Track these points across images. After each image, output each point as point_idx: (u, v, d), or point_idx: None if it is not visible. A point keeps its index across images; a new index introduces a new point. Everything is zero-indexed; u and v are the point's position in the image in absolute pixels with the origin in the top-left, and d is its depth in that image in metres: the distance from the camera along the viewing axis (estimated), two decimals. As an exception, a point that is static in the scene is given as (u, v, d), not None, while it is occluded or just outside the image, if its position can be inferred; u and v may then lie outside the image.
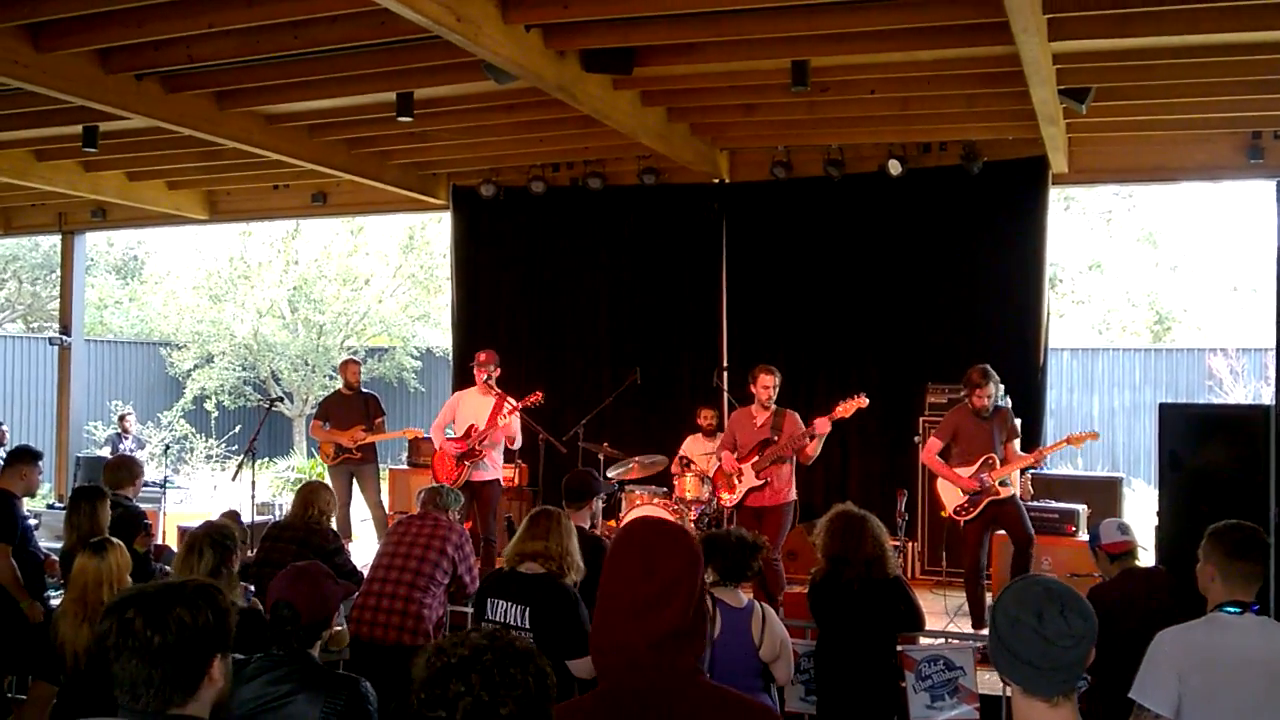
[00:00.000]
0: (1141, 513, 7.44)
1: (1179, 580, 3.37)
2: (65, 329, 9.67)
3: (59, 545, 4.55)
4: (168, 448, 10.72)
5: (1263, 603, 2.67)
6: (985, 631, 4.91)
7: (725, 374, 7.20)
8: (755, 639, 3.20)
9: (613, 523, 6.41)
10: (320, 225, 13.98)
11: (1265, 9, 4.35)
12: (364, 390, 7.22)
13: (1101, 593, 3.47)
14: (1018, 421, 5.60)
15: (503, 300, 8.25)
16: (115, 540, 3.29)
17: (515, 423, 6.13)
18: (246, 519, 5.93)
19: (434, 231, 14.58)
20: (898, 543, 5.08)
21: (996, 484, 5.24)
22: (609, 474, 6.58)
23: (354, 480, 6.98)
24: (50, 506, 7.94)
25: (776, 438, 5.51)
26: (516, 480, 7.35)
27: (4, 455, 6.14)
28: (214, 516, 4.52)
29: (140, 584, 2.24)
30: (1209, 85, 5.46)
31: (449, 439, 6.19)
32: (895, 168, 6.73)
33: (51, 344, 9.98)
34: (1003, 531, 5.42)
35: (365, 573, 4.28)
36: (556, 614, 3.17)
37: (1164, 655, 2.44)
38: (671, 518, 5.65)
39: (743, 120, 6.58)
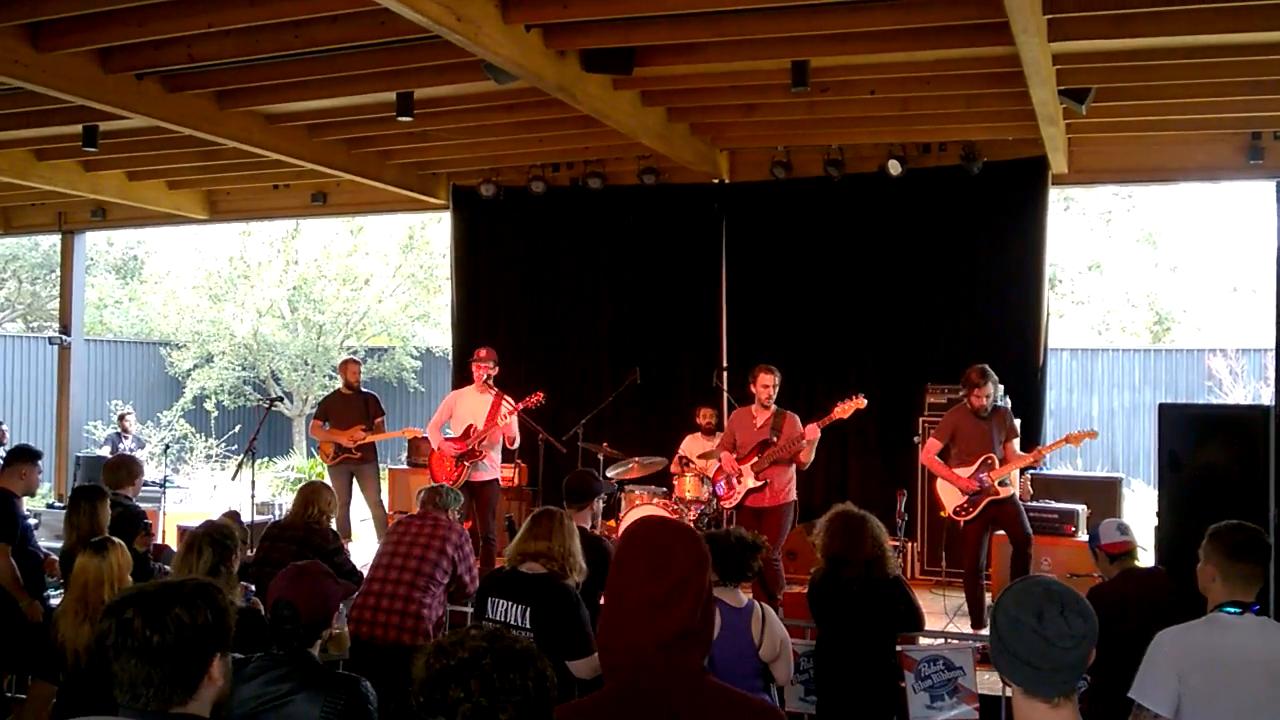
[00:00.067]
0: (1141, 513, 7.44)
1: (1178, 580, 3.37)
2: (65, 328, 9.67)
3: (59, 545, 4.54)
4: (167, 447, 10.72)
5: (1262, 603, 2.66)
6: (985, 632, 4.91)
7: (725, 374, 7.20)
8: (755, 639, 3.20)
9: (612, 522, 6.41)
10: (320, 225, 13.98)
11: (1265, 9, 4.35)
12: (364, 390, 7.22)
13: (1101, 593, 3.47)
14: (1017, 421, 5.60)
15: (503, 300, 8.25)
16: (116, 540, 3.29)
17: (514, 423, 6.12)
18: (246, 519, 5.93)
19: (434, 231, 14.58)
20: (897, 543, 5.08)
21: (996, 484, 5.25)
22: (608, 474, 6.58)
23: (354, 480, 6.98)
24: (50, 506, 7.94)
25: (775, 439, 5.51)
26: (516, 480, 7.35)
27: (4, 454, 6.14)
28: (214, 516, 4.52)
29: (140, 583, 2.25)
30: (1209, 86, 5.46)
31: (447, 439, 6.19)
32: (895, 168, 6.73)
33: (51, 343, 9.98)
34: (1002, 532, 5.42)
35: (365, 572, 4.28)
36: (557, 614, 3.17)
37: (1164, 655, 2.44)
38: (672, 518, 5.64)
39: (743, 120, 6.58)
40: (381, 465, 7.45)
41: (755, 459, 5.54)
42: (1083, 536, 5.63)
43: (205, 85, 5.70)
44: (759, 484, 5.52)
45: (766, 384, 5.58)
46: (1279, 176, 6.52)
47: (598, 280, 7.93)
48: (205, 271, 14.61)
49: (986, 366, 5.37)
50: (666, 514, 5.80)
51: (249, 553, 4.42)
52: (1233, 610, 2.49)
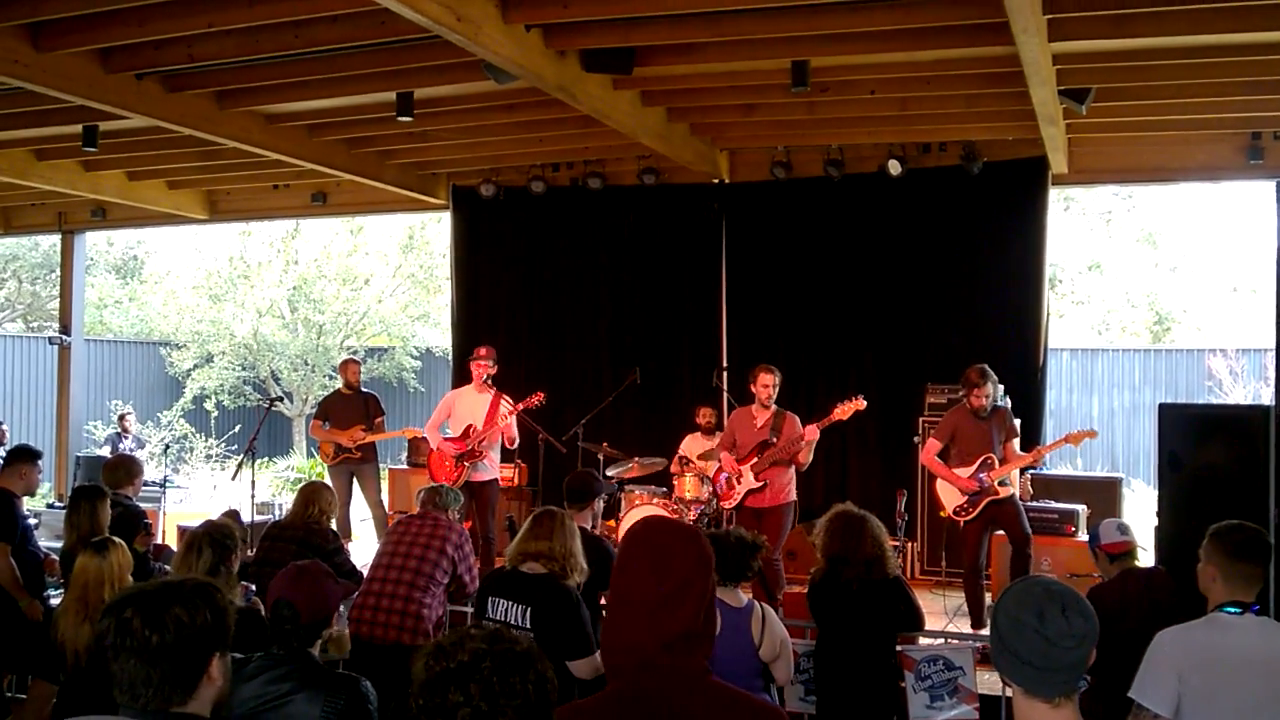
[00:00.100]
0: (1141, 513, 7.44)
1: (1178, 580, 3.37)
2: (65, 328, 9.67)
3: (59, 545, 4.55)
4: (167, 447, 10.73)
5: (1262, 603, 2.66)
6: (985, 631, 4.91)
7: (725, 374, 7.20)
8: (755, 639, 3.20)
9: (612, 522, 6.41)
10: (320, 225, 13.98)
11: (1265, 9, 4.35)
12: (364, 390, 7.22)
13: (1101, 593, 3.47)
14: (1017, 421, 5.59)
15: (502, 300, 8.25)
16: (117, 540, 3.30)
17: (514, 423, 6.12)
18: (246, 519, 5.93)
19: (434, 231, 14.58)
20: (897, 543, 5.08)
21: (995, 484, 5.25)
22: (608, 473, 6.58)
23: (354, 480, 6.98)
24: (50, 506, 7.94)
25: (775, 439, 5.51)
26: (516, 480, 7.35)
27: (4, 454, 6.14)
28: (214, 516, 4.52)
29: (139, 583, 2.24)
30: (1209, 86, 5.46)
31: (446, 439, 6.18)
32: (895, 168, 6.73)
33: (51, 343, 9.98)
34: (1002, 532, 5.42)
35: (365, 572, 4.28)
36: (558, 615, 3.17)
37: (1164, 655, 2.44)
38: (675, 518, 5.64)
39: (743, 120, 6.58)
40: (381, 465, 7.45)
41: (755, 459, 5.54)
42: (1083, 536, 5.63)
43: (205, 85, 5.70)
44: (759, 484, 5.52)
45: (766, 384, 5.58)
46: (1279, 176, 6.51)
47: (598, 280, 7.93)
48: (205, 271, 14.61)
49: (986, 366, 5.37)
50: (668, 514, 5.80)
51: (249, 553, 4.42)
52: (1233, 610, 2.49)
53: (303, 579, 2.50)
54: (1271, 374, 11.29)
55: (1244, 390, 12.03)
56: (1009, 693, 1.92)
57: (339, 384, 7.28)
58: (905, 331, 7.09)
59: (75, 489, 4.62)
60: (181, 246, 16.12)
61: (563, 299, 8.04)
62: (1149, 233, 17.22)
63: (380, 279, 14.99)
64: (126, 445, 9.55)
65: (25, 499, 4.78)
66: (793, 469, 5.58)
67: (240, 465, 6.81)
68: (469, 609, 4.20)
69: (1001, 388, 5.80)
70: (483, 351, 6.25)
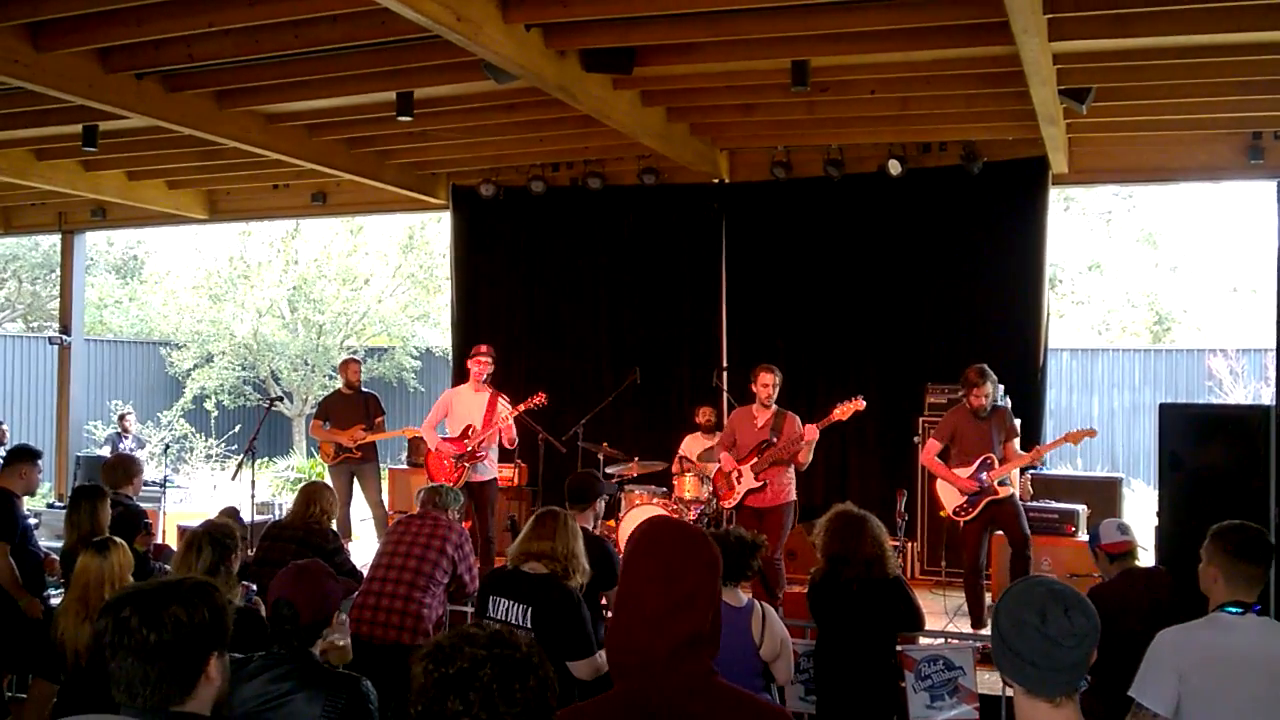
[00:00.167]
0: (1141, 513, 7.44)
1: (1179, 580, 3.37)
2: (65, 328, 9.67)
3: (59, 544, 4.54)
4: (167, 447, 10.72)
5: (1263, 603, 2.66)
6: (985, 631, 4.91)
7: (725, 374, 7.20)
8: (755, 638, 3.20)
9: (612, 522, 6.41)
10: (320, 225, 13.98)
11: (1266, 9, 4.35)
12: (364, 390, 7.22)
13: (1101, 593, 3.47)
14: (1017, 421, 5.59)
15: (502, 300, 8.25)
16: (118, 540, 3.30)
17: (514, 423, 6.11)
18: (246, 518, 5.92)
19: (434, 231, 14.58)
20: (897, 543, 5.07)
21: (995, 484, 5.25)
22: (608, 471, 6.57)
23: (354, 480, 6.98)
24: (50, 506, 7.95)
25: (775, 439, 5.51)
26: (516, 480, 7.35)
27: (4, 454, 6.14)
28: (214, 515, 4.52)
29: (138, 582, 2.24)
30: (1209, 85, 5.46)
31: (444, 439, 6.16)
32: (895, 168, 6.73)
33: (51, 343, 9.98)
34: (1002, 532, 5.42)
35: (365, 572, 4.28)
36: (559, 615, 3.17)
37: (1165, 655, 2.44)
38: (684, 521, 5.64)
39: (742, 120, 6.58)
40: (382, 465, 7.45)
41: (755, 459, 5.54)
42: (1083, 536, 5.63)
43: (205, 85, 5.70)
44: (759, 484, 5.52)
45: (766, 384, 5.58)
46: (1279, 176, 6.51)
47: (598, 280, 7.92)
48: (205, 271, 14.61)
49: (985, 366, 5.37)
50: (673, 515, 5.80)
51: (249, 552, 4.42)
52: (1235, 610, 2.49)
53: (303, 578, 2.50)
54: (1272, 374, 11.28)
55: (1244, 390, 12.03)
56: (1009, 692, 1.92)
57: (339, 384, 7.28)
58: (905, 331, 7.09)
59: (75, 489, 4.62)
60: (181, 246, 16.13)
61: (563, 299, 8.03)
62: (1149, 233, 17.22)
63: (380, 279, 14.99)
64: (127, 445, 9.54)
65: (25, 498, 4.78)
66: (793, 469, 5.58)
67: (240, 465, 6.81)
68: (469, 608, 4.20)
69: (1001, 388, 5.80)
70: (483, 349, 6.24)
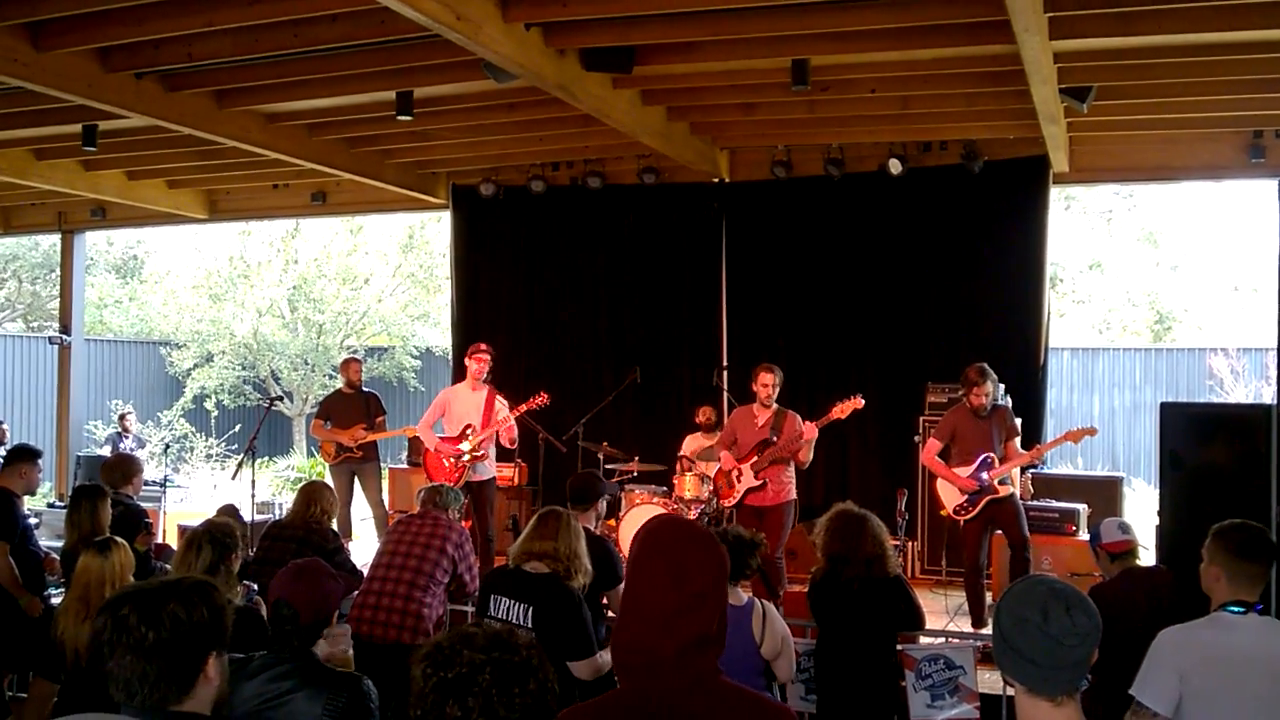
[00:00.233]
0: (1142, 512, 7.44)
1: (1179, 579, 3.36)
2: (65, 328, 9.67)
3: (59, 544, 4.54)
4: (168, 447, 10.72)
5: (1264, 603, 2.66)
6: (985, 630, 4.90)
7: (725, 373, 7.20)
8: (756, 636, 3.19)
9: (612, 521, 6.41)
10: (320, 224, 13.97)
11: (1266, 7, 4.34)
12: (365, 389, 7.22)
13: (1102, 592, 3.47)
14: (1018, 420, 5.59)
15: (502, 299, 8.24)
16: (119, 540, 3.30)
17: (514, 423, 6.10)
18: (247, 518, 5.92)
19: (433, 231, 14.57)
20: (898, 542, 5.07)
21: (996, 482, 5.24)
22: (608, 469, 6.57)
23: (355, 479, 6.98)
24: (51, 505, 7.95)
25: (776, 438, 5.51)
26: (516, 479, 7.34)
27: (4, 454, 6.14)
28: (213, 514, 4.51)
29: (137, 581, 2.24)
30: (1210, 84, 5.45)
31: (443, 439, 6.14)
32: (895, 167, 6.72)
33: (51, 343, 9.98)
34: (1001, 532, 5.42)
35: (365, 571, 4.27)
36: (560, 615, 3.17)
37: (1166, 654, 2.43)
38: (692, 521, 5.64)
39: (743, 119, 6.58)
40: (382, 465, 7.44)
41: (755, 458, 5.54)
42: (1084, 535, 5.63)
43: (204, 84, 5.70)
44: (758, 483, 5.51)
45: (766, 383, 5.58)
46: (1280, 175, 6.51)
47: (597, 279, 7.92)
48: (205, 271, 14.61)
49: (985, 365, 5.37)
50: (679, 515, 5.79)
51: (249, 552, 4.42)
52: (1237, 610, 2.48)
53: (302, 578, 2.49)
54: (1273, 373, 11.27)
55: (1245, 389, 12.02)
56: (1010, 692, 1.91)
57: (339, 383, 7.28)
58: (906, 330, 7.08)
59: (76, 488, 4.62)
60: (181, 246, 16.13)
61: (563, 298, 8.03)
62: (1150, 232, 17.21)
63: (380, 278, 14.99)
64: (127, 445, 9.54)
65: (26, 498, 4.77)
66: (793, 467, 5.58)
67: (240, 465, 6.81)
68: (469, 608, 4.19)
69: (1002, 387, 5.79)
70: (482, 347, 6.21)
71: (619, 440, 7.00)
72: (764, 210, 7.44)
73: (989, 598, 5.35)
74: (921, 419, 6.60)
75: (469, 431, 6.03)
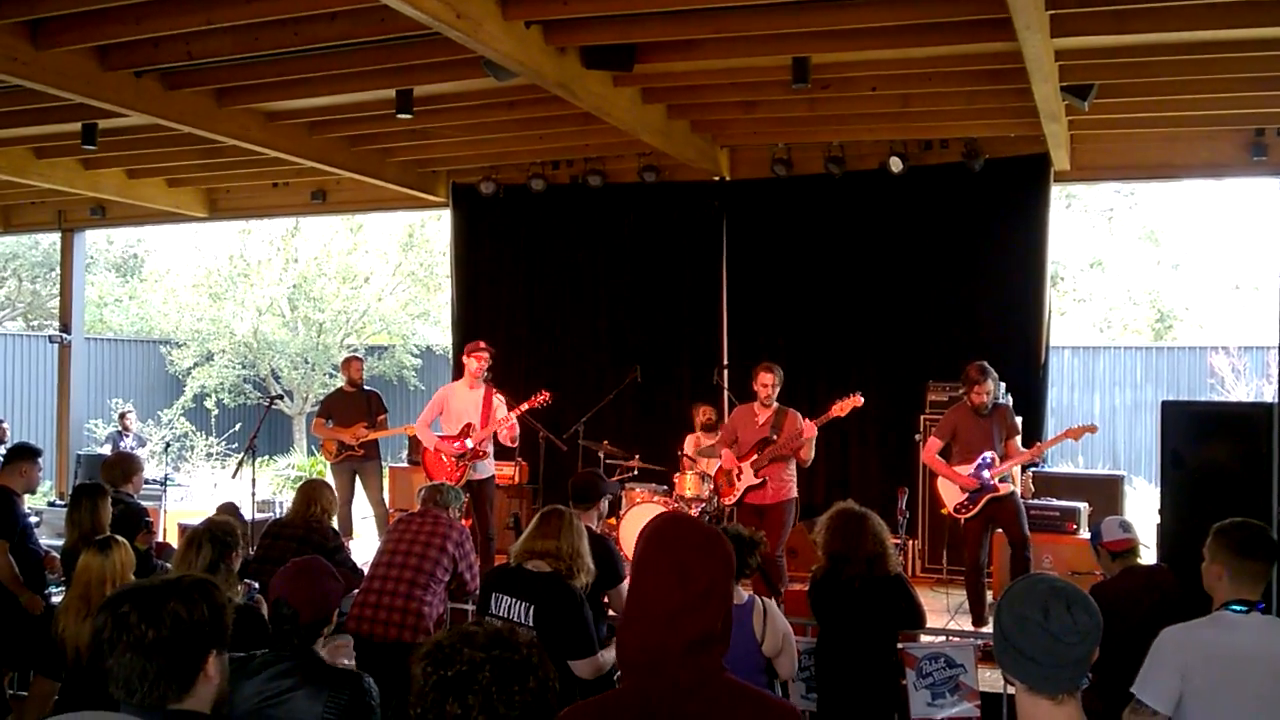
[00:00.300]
0: (1143, 511, 7.44)
1: (1180, 578, 3.36)
2: (65, 327, 9.67)
3: (60, 542, 4.54)
4: (168, 445, 10.71)
5: (1265, 602, 2.65)
6: (986, 629, 4.90)
7: (725, 372, 7.20)
8: (757, 634, 3.19)
9: (613, 520, 6.41)
10: (320, 223, 13.97)
11: (1268, 5, 4.33)
12: (366, 388, 7.22)
13: (1103, 590, 3.47)
14: (1019, 419, 5.58)
15: (502, 298, 8.24)
16: (120, 538, 3.30)
17: (515, 421, 6.09)
18: (247, 516, 5.92)
19: (434, 229, 14.57)
20: (898, 540, 5.06)
21: (996, 481, 5.24)
22: (608, 465, 6.56)
23: (356, 477, 6.98)
24: (51, 504, 7.95)
25: (776, 437, 5.51)
26: (517, 478, 7.34)
27: (4, 452, 6.14)
28: (213, 512, 4.51)
29: (138, 580, 2.23)
30: (1212, 82, 5.44)
31: (442, 437, 6.12)
32: (896, 165, 6.71)
33: (51, 342, 9.98)
34: (1001, 530, 5.42)
35: (366, 570, 4.27)
36: (561, 614, 3.17)
37: (1168, 653, 2.43)
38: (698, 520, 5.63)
39: (743, 117, 6.57)
40: (383, 463, 7.44)
41: (755, 456, 5.53)
42: (1085, 534, 5.62)
43: (204, 83, 5.69)
44: (758, 481, 5.51)
45: (765, 383, 5.58)
46: (1281, 173, 6.50)
47: (598, 278, 7.92)
48: (205, 270, 14.61)
49: (985, 363, 5.36)
50: (684, 513, 5.78)
51: (250, 550, 4.42)
52: (1239, 609, 2.48)
53: (302, 578, 2.49)
54: (1274, 371, 11.27)
55: (1246, 388, 12.01)
56: (1011, 690, 1.91)
57: (339, 382, 7.28)
58: (906, 329, 7.08)
59: (76, 487, 4.62)
60: (181, 245, 16.13)
61: (563, 297, 8.03)
62: (1151, 230, 17.20)
63: (380, 277, 14.99)
64: (127, 443, 9.55)
65: (26, 496, 4.77)
66: (793, 465, 5.58)
67: (240, 463, 6.81)
68: (470, 606, 4.19)
69: (1003, 385, 5.79)
70: (480, 345, 6.18)
71: (619, 439, 7.00)
72: (764, 208, 7.43)
73: (990, 596, 5.35)
74: (922, 417, 6.59)
75: (470, 430, 6.02)
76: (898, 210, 7.06)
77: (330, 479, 6.58)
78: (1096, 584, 3.64)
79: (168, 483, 7.81)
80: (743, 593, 3.33)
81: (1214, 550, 2.60)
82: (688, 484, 6.29)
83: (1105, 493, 6.29)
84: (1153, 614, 3.01)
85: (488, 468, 6.17)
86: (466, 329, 8.24)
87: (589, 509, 4.12)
